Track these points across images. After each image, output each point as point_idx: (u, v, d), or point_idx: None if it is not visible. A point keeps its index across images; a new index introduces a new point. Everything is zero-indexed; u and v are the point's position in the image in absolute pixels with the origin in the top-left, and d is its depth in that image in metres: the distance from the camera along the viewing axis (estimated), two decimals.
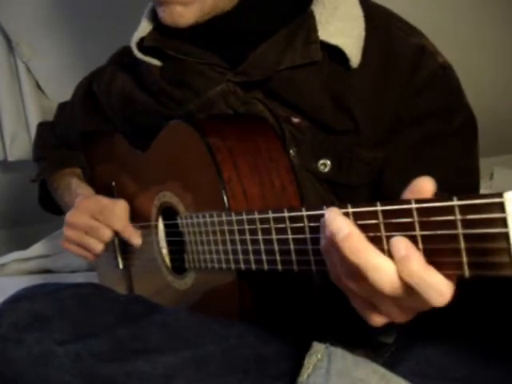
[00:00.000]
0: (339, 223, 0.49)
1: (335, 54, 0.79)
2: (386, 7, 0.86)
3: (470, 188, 0.83)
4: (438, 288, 0.46)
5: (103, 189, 1.09)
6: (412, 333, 0.69)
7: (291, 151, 0.82)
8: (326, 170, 0.83)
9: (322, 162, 0.83)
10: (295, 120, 0.83)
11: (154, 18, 0.90)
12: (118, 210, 0.96)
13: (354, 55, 0.79)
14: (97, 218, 0.96)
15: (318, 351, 0.68)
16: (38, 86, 1.88)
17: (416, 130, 0.80)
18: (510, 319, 0.64)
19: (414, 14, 0.85)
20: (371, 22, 0.81)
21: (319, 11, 0.81)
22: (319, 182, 0.84)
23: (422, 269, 0.46)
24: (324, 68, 0.81)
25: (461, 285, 0.47)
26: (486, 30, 1.66)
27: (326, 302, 0.79)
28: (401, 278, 0.47)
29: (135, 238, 0.96)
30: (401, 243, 0.47)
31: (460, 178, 0.81)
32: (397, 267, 0.47)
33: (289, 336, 0.77)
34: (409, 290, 0.47)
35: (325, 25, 0.80)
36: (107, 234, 0.96)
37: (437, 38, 0.84)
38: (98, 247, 0.97)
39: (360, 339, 0.72)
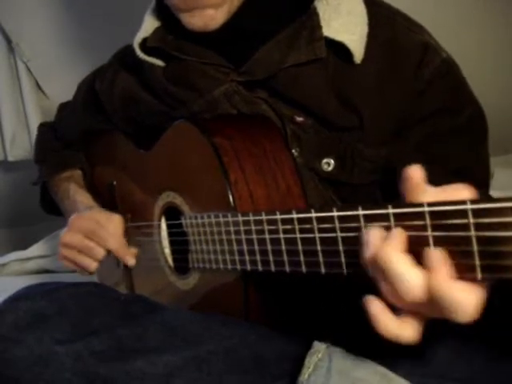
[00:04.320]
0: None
1: (339, 50, 0.80)
2: (389, 4, 0.86)
3: (479, 184, 0.83)
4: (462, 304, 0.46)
5: (104, 188, 1.09)
6: None
7: (294, 151, 0.82)
8: (330, 168, 0.83)
9: (325, 160, 0.83)
10: (299, 119, 0.83)
11: (158, 17, 0.90)
12: (113, 227, 0.98)
13: (358, 51, 0.79)
14: (91, 238, 0.97)
15: (319, 351, 0.68)
16: (38, 86, 1.88)
17: (423, 128, 0.80)
18: (509, 319, 0.64)
19: (415, 12, 0.85)
20: (375, 18, 0.81)
21: (323, 8, 0.81)
22: (321, 181, 0.83)
23: (447, 283, 0.46)
24: (329, 64, 0.81)
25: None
26: (486, 30, 1.66)
27: (329, 302, 0.79)
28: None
29: (129, 259, 0.99)
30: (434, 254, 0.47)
31: (469, 174, 0.80)
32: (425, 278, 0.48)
33: (290, 335, 0.77)
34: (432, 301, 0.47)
35: (328, 21, 0.80)
36: (101, 254, 0.98)
37: (438, 36, 0.84)
38: (92, 266, 0.99)
39: (362, 339, 0.72)
